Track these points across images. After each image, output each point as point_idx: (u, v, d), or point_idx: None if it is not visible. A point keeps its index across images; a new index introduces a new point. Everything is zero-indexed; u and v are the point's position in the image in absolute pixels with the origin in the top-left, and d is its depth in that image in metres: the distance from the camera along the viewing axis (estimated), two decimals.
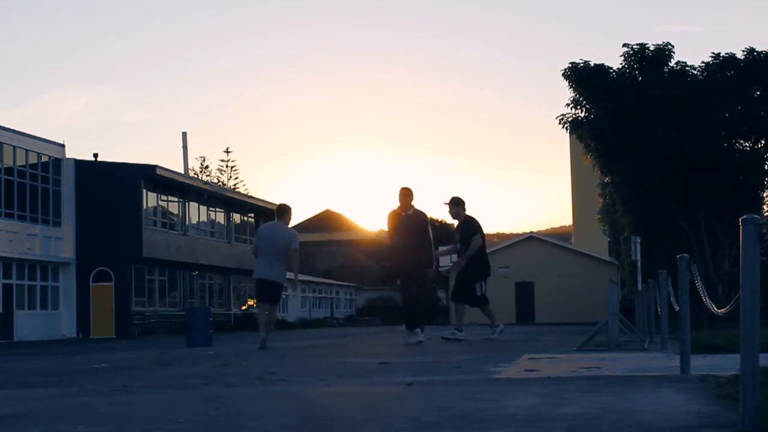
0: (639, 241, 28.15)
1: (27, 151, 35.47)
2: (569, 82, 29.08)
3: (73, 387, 6.95)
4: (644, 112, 27.85)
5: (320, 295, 66.01)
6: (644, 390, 5.39)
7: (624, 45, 29.18)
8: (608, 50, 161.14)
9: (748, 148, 29.40)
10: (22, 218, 34.95)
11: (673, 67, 29.19)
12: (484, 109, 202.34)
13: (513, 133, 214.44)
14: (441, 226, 60.20)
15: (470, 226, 14.71)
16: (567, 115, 29.33)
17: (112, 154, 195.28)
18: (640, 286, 24.74)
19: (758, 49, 28.79)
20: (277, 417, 4.55)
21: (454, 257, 15.78)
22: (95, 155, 39.37)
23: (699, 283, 6.96)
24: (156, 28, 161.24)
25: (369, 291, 72.83)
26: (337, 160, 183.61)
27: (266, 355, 11.57)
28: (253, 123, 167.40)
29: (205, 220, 45.05)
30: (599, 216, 38.95)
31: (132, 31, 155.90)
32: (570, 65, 29.05)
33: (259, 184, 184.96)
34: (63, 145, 37.70)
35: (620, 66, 29.26)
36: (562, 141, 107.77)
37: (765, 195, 30.30)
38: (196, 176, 58.88)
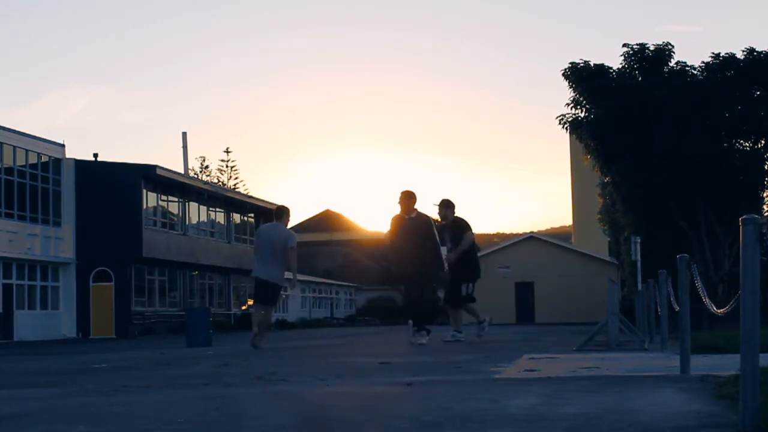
0: (639, 241, 28.14)
1: (27, 151, 35.48)
2: (569, 82, 29.07)
3: (73, 387, 6.95)
4: (644, 112, 27.84)
5: (320, 295, 66.01)
6: (644, 390, 5.39)
7: (624, 45, 29.19)
8: (608, 50, 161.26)
9: (748, 148, 29.39)
10: (22, 218, 34.95)
11: (673, 67, 29.18)
12: (484, 109, 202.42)
13: (513, 133, 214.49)
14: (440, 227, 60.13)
15: (461, 225, 14.58)
16: (567, 115, 29.33)
17: (112, 154, 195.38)
18: (640, 286, 24.74)
19: (758, 49, 28.80)
20: (277, 417, 4.55)
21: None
22: (95, 155, 39.41)
23: (699, 283, 6.96)
24: (156, 28, 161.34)
25: (369, 291, 72.83)
26: (337, 160, 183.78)
27: (266, 355, 11.57)
28: (253, 123, 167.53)
29: (205, 220, 45.06)
30: (599, 216, 38.95)
31: (132, 31, 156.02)
32: (570, 65, 29.04)
33: (259, 184, 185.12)
34: (63, 145, 37.72)
35: (620, 66, 29.25)
36: (562, 141, 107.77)
37: (765, 195, 30.29)
38: (196, 176, 58.90)
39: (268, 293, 14.12)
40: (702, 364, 7.45)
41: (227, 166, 70.70)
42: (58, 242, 36.83)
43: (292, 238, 14.03)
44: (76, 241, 37.48)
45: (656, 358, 9.18)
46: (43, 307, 36.39)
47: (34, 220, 35.61)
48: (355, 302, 72.62)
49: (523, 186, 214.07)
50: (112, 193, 37.33)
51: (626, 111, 28.09)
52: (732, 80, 28.53)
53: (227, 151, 72.77)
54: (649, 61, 29.04)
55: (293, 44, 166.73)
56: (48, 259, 36.29)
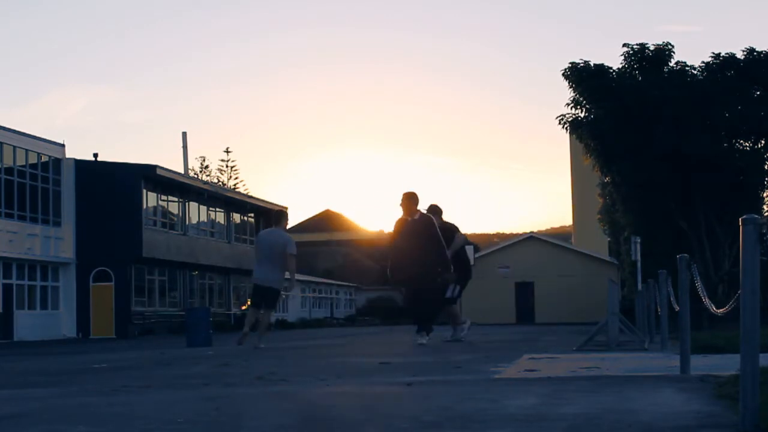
0: (639, 241, 28.14)
1: (27, 151, 35.48)
2: (569, 82, 29.07)
3: (73, 387, 6.95)
4: (644, 112, 27.85)
5: (320, 295, 66.01)
6: (644, 390, 5.39)
7: (624, 45, 29.19)
8: (608, 50, 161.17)
9: (748, 148, 29.38)
10: (22, 218, 34.95)
11: (673, 67, 29.18)
12: (484, 109, 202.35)
13: (513, 133, 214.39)
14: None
15: (449, 228, 14.47)
16: (567, 115, 29.33)
17: (112, 154, 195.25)
18: (640, 286, 24.74)
19: (758, 49, 28.79)
20: (277, 417, 4.55)
21: None
22: (95, 155, 39.40)
23: (699, 283, 6.96)
24: (156, 28, 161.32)
25: (369, 291, 72.83)
26: (337, 160, 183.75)
27: (266, 355, 11.57)
28: (253, 123, 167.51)
29: (205, 220, 45.06)
30: (599, 216, 38.96)
31: (132, 31, 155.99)
32: (570, 65, 29.04)
33: (259, 184, 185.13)
34: (63, 145, 37.72)
35: (620, 66, 29.26)
36: (562, 141, 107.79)
37: (765, 195, 30.28)
38: (196, 176, 58.88)
39: (267, 297, 14.27)
40: (702, 364, 7.46)
41: (227, 166, 70.73)
42: (58, 242, 36.83)
43: (291, 243, 14.14)
44: (76, 241, 37.48)
45: (656, 358, 9.19)
46: (43, 307, 36.39)
47: (34, 220, 35.61)
48: (355, 302, 72.62)
49: (523, 186, 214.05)
50: (112, 193, 37.34)
51: (626, 111, 28.09)
52: (732, 80, 28.53)
53: (227, 151, 72.81)
54: (649, 61, 29.04)
55: (293, 44, 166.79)
56: (48, 259, 36.29)
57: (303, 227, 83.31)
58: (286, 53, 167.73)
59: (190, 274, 43.37)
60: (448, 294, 14.47)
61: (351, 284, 72.93)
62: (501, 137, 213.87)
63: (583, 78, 28.76)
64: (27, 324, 34.35)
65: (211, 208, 45.12)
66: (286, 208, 46.48)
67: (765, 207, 30.32)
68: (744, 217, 3.83)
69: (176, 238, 41.04)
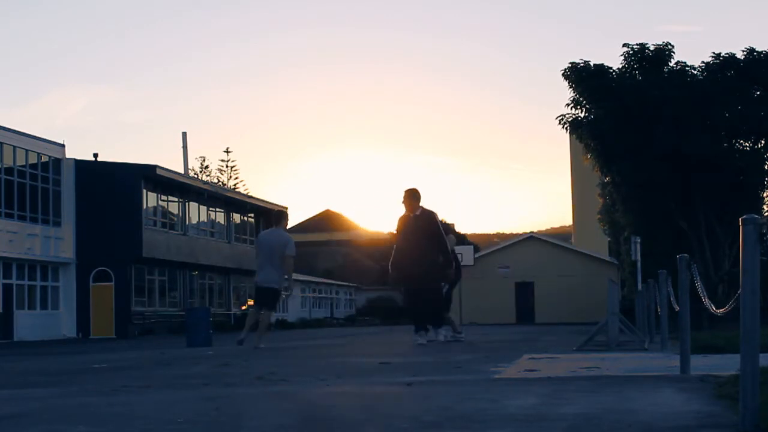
0: (639, 241, 28.13)
1: (27, 151, 35.48)
2: (569, 82, 29.06)
3: (73, 387, 6.95)
4: (644, 112, 27.84)
5: (320, 295, 66.00)
6: (644, 390, 5.39)
7: (624, 45, 29.18)
8: (608, 50, 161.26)
9: (748, 148, 29.38)
10: (22, 218, 34.95)
11: (673, 67, 29.17)
12: (484, 109, 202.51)
13: (513, 133, 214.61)
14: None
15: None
16: (567, 115, 29.32)
17: (112, 154, 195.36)
18: (640, 286, 24.74)
19: (758, 49, 28.78)
20: (277, 417, 4.55)
21: None
22: (95, 155, 39.42)
23: (699, 283, 6.96)
24: (156, 28, 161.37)
25: (369, 291, 72.82)
26: (337, 160, 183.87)
27: (266, 355, 11.57)
28: (253, 123, 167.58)
29: (205, 220, 45.06)
30: (599, 216, 38.93)
31: (132, 31, 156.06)
32: (570, 65, 29.04)
33: (259, 184, 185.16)
34: (63, 145, 37.72)
35: (620, 66, 29.25)
36: (562, 141, 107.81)
37: (765, 195, 30.27)
38: (196, 176, 58.88)
39: (268, 297, 14.31)
40: (702, 364, 7.45)
41: (227, 166, 70.74)
42: (58, 242, 36.83)
43: (290, 244, 14.19)
44: (76, 241, 37.48)
45: (656, 358, 9.18)
46: (43, 307, 36.38)
47: (34, 220, 35.61)
48: (355, 302, 72.61)
49: (523, 186, 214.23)
50: (112, 193, 37.34)
51: (626, 111, 28.08)
52: (732, 80, 28.52)
53: (227, 151, 72.84)
54: (649, 61, 29.03)
55: (293, 44, 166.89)
56: (48, 259, 36.28)
57: (303, 227, 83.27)
58: (286, 53, 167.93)
59: (190, 274, 43.37)
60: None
61: (351, 284, 72.92)
62: (501, 137, 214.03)
63: (583, 78, 28.75)
64: (27, 324, 34.35)
65: (211, 208, 45.12)
66: (286, 208, 46.50)
67: (765, 207, 30.32)
68: (744, 217, 3.83)
69: (176, 238, 41.04)
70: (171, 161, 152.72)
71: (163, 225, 40.35)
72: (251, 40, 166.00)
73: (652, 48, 29.09)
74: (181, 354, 13.03)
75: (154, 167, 38.03)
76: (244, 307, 47.63)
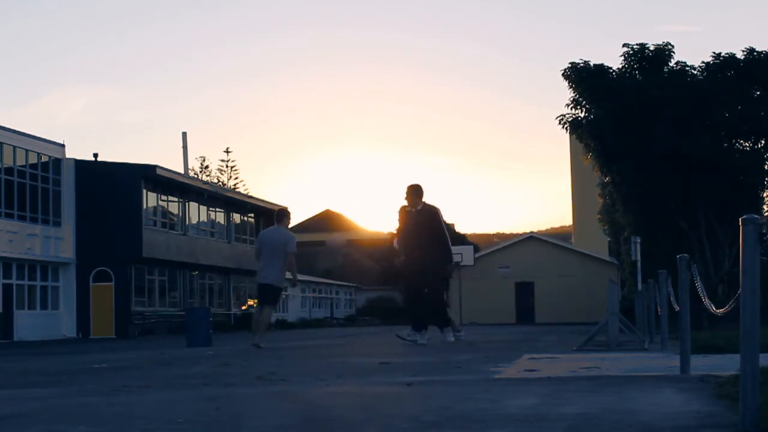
0: (639, 241, 28.13)
1: (27, 151, 35.47)
2: (569, 82, 29.07)
3: (73, 387, 6.95)
4: (644, 112, 27.84)
5: (320, 295, 66.00)
6: (644, 390, 5.39)
7: (624, 45, 29.19)
8: (608, 50, 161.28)
9: (748, 148, 29.38)
10: (22, 218, 34.95)
11: (673, 67, 29.17)
12: (484, 109, 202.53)
13: (513, 133, 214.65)
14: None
15: None
16: (567, 115, 29.33)
17: (112, 154, 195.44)
18: (640, 286, 24.73)
19: (758, 49, 28.79)
20: (277, 417, 4.55)
21: None
22: (95, 155, 39.40)
23: (699, 283, 6.96)
24: (156, 28, 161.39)
25: (369, 291, 72.83)
26: (337, 160, 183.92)
27: (266, 355, 11.57)
28: (253, 123, 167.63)
29: (205, 220, 45.05)
30: (599, 216, 38.94)
31: (132, 31, 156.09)
32: (570, 65, 29.04)
33: (259, 184, 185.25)
34: (63, 145, 37.71)
35: (620, 66, 29.25)
36: (562, 141, 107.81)
37: (765, 195, 30.28)
38: (196, 176, 58.86)
39: (269, 294, 14.34)
40: (702, 364, 7.45)
41: (227, 166, 70.72)
42: (58, 242, 36.82)
43: (292, 242, 14.22)
44: (76, 241, 37.47)
45: (656, 358, 9.18)
46: (43, 307, 36.38)
47: (34, 220, 35.61)
48: (355, 302, 72.61)
49: (523, 186, 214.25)
50: (112, 193, 37.33)
51: (626, 111, 28.08)
52: (732, 80, 28.52)
53: (227, 151, 72.77)
54: (649, 61, 29.03)
55: (293, 44, 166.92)
56: (48, 259, 36.28)
57: (303, 227, 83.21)
58: (286, 53, 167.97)
59: (190, 274, 43.36)
60: None
61: (351, 284, 72.92)
62: (501, 137, 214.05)
63: (583, 78, 28.75)
64: (27, 324, 34.34)
65: (211, 208, 45.11)
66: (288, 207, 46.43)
67: (765, 207, 30.32)
68: (744, 217, 3.83)
69: (176, 238, 41.03)
70: (171, 161, 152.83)
71: (163, 225, 40.34)
72: (251, 40, 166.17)
73: (652, 48, 29.10)
74: (181, 354, 13.03)
75: (154, 167, 38.03)
76: (244, 307, 47.62)
